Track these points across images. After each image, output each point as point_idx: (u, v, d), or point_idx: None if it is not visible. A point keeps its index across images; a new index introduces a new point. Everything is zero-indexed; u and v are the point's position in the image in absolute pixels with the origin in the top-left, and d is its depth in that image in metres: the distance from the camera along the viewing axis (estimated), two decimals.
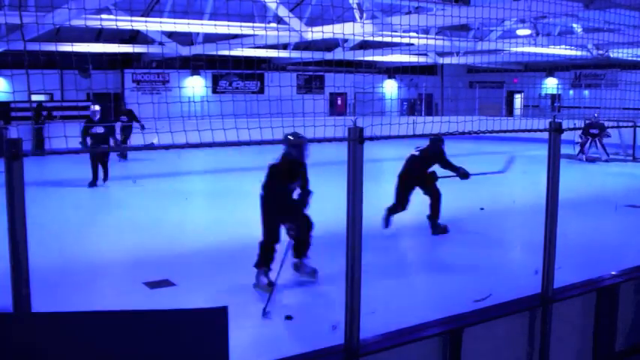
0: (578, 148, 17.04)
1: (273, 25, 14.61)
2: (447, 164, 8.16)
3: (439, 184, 8.22)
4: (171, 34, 17.47)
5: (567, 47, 18.44)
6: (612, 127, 17.04)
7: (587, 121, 17.31)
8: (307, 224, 6.05)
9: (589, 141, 16.90)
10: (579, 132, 16.87)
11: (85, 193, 11.71)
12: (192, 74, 23.28)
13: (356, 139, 3.45)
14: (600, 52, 18.81)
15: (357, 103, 26.14)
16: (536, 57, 20.17)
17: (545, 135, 4.86)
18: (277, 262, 5.72)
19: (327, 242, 7.38)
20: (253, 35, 15.17)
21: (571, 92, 26.69)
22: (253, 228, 8.76)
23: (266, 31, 13.93)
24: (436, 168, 8.28)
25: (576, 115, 21.14)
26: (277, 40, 16.41)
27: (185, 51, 18.32)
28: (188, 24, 14.72)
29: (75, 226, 8.88)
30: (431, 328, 4.23)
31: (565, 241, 5.26)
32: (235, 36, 15.56)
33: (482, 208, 9.91)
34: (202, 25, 14.91)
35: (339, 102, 27.06)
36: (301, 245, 6.07)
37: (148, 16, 16.70)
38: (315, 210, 9.59)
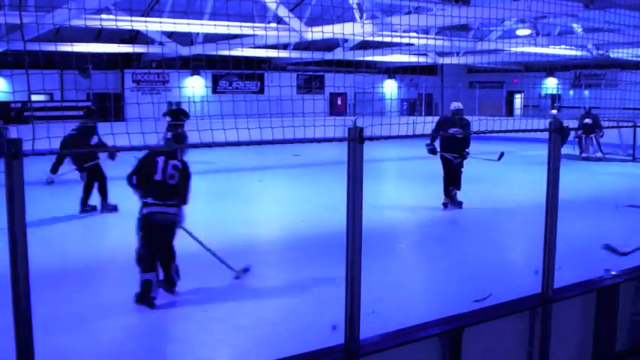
0: (578, 149, 17.06)
1: (273, 25, 14.62)
2: None
3: None
4: (171, 34, 17.46)
5: (567, 47, 18.43)
6: (612, 127, 17.02)
7: (581, 115, 17.43)
8: None
9: (583, 136, 16.92)
10: (579, 131, 16.88)
11: None
12: (192, 74, 23.29)
13: (356, 139, 3.45)
14: (600, 52, 18.80)
15: (357, 103, 26.14)
16: (536, 57, 20.17)
17: (545, 135, 4.86)
18: None
19: (326, 242, 7.40)
20: (253, 35, 15.17)
21: (571, 92, 26.69)
22: (253, 228, 8.80)
23: (266, 31, 13.94)
24: None
25: (577, 115, 21.16)
26: (277, 40, 16.41)
27: (185, 51, 18.32)
28: (188, 24, 14.73)
29: (75, 225, 8.89)
30: (431, 328, 4.24)
31: (565, 241, 5.26)
32: (235, 36, 15.56)
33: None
34: (202, 25, 14.92)
35: (339, 102, 27.06)
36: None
37: (147, 16, 16.69)
38: (316, 210, 9.63)
